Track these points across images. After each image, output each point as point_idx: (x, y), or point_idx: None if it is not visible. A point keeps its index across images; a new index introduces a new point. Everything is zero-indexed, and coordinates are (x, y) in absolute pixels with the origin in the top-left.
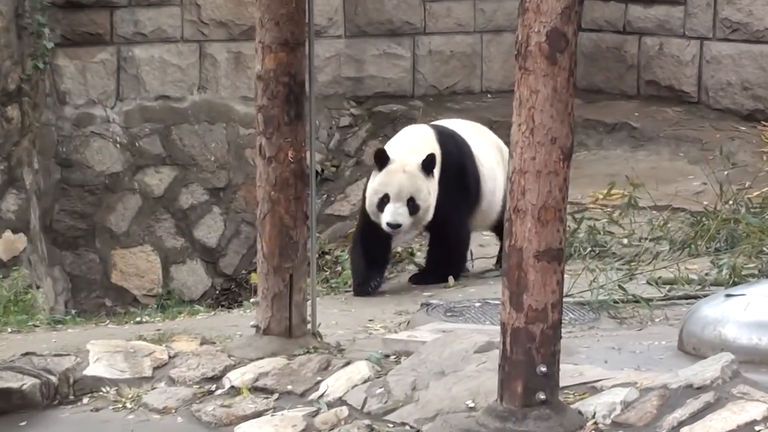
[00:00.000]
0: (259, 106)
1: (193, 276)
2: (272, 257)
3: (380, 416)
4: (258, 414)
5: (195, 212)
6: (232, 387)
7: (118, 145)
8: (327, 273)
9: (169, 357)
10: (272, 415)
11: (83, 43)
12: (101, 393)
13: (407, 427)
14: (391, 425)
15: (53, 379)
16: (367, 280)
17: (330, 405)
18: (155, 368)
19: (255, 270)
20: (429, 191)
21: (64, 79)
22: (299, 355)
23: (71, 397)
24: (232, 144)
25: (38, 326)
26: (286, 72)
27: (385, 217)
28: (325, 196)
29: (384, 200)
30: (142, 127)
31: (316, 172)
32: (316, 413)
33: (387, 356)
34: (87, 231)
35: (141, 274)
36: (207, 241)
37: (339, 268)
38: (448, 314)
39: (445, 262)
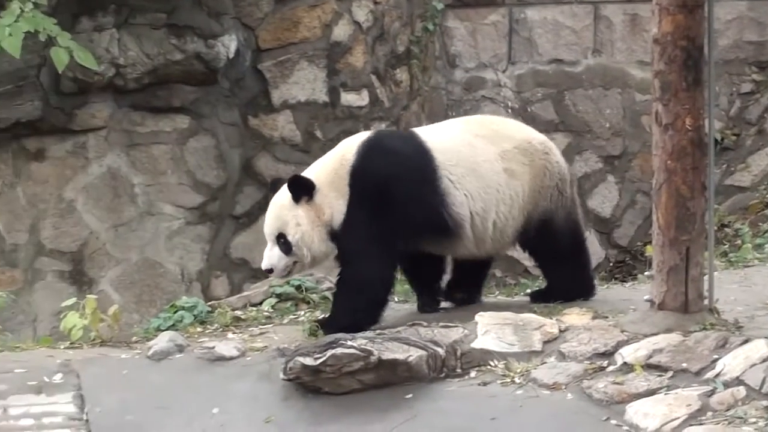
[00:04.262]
0: (655, 71)
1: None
2: (668, 229)
3: None
4: (651, 392)
5: (588, 181)
6: (625, 363)
7: (509, 110)
8: (726, 246)
9: (560, 331)
10: (665, 394)
11: (474, 5)
12: (489, 367)
13: None
14: None
15: (440, 351)
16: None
17: (726, 384)
18: (545, 342)
19: (650, 242)
20: (298, 222)
21: (455, 42)
22: (695, 331)
23: (458, 371)
24: (628, 110)
25: None
26: (683, 35)
27: (262, 263)
28: (724, 165)
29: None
30: (534, 91)
31: (715, 140)
32: (712, 393)
33: None
34: None
35: None
36: (601, 211)
37: (738, 242)
38: None
39: (346, 310)
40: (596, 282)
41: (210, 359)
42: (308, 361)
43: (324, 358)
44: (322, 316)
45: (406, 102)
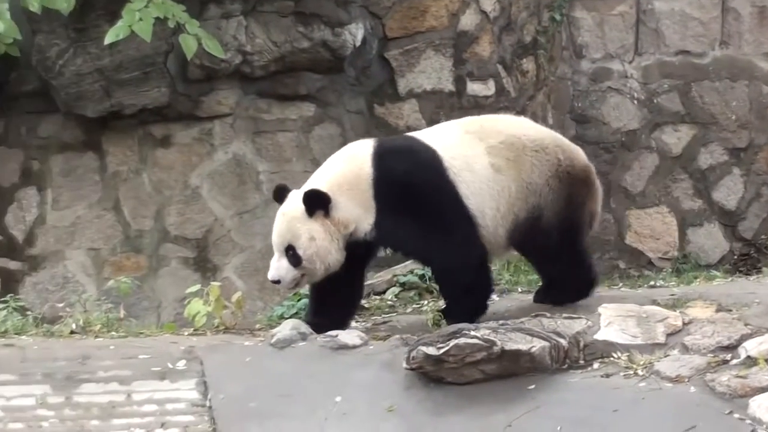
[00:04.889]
0: None
1: (710, 239)
2: None
3: None
4: None
5: (714, 173)
6: (748, 357)
7: (635, 102)
8: None
9: (683, 323)
10: None
11: None
12: (612, 358)
13: None
14: None
15: (563, 342)
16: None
17: None
18: (668, 335)
19: None
20: (312, 236)
21: (581, 32)
22: None
23: (581, 362)
24: (755, 102)
25: None
26: None
27: (269, 273)
28: None
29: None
30: (661, 83)
31: None
32: None
33: None
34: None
35: (656, 236)
36: (726, 204)
37: None
38: None
39: (453, 299)
40: (596, 276)
41: (333, 348)
42: (431, 350)
43: (447, 348)
44: (446, 305)
45: (532, 92)
